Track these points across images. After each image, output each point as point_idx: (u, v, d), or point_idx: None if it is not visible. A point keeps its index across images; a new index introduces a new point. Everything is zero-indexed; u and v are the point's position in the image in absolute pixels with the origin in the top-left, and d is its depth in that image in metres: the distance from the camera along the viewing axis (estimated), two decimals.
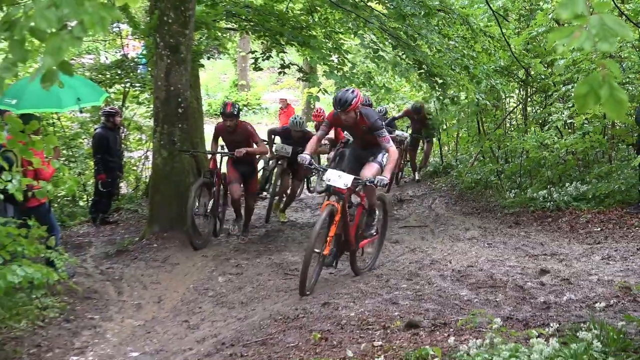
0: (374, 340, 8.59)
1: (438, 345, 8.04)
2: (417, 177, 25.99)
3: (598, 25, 3.21)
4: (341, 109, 11.04)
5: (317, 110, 29.70)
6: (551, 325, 8.00)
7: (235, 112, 15.15)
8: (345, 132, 19.52)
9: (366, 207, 12.13)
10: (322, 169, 11.74)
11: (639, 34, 13.77)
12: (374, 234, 12.59)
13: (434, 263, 12.52)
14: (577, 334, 7.18)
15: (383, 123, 12.47)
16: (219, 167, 16.44)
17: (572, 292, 9.87)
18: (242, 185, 16.07)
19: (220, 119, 16.86)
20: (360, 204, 12.11)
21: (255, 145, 15.71)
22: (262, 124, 30.69)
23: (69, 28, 3.79)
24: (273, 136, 19.79)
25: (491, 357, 6.92)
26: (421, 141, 26.31)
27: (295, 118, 18.41)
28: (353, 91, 11.38)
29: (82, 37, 3.90)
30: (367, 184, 11.08)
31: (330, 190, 11.20)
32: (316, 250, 10.81)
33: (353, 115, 11.19)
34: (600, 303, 8.99)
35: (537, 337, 7.24)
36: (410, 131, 25.26)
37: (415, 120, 24.99)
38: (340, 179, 10.64)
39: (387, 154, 11.54)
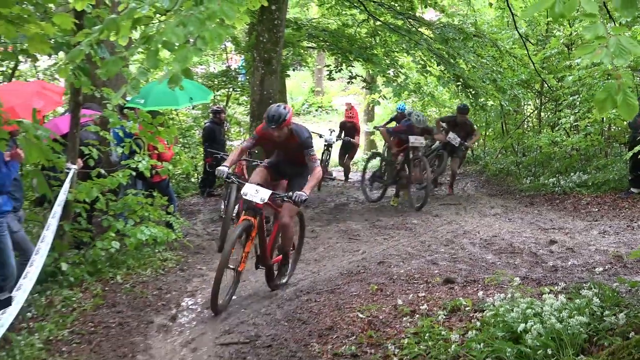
0: (419, 292, 8.65)
1: (469, 297, 8.14)
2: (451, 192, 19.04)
3: (615, 45, 3.31)
4: (275, 125, 9.13)
5: (350, 110, 29.59)
6: (559, 284, 7.99)
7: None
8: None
9: (282, 222, 9.73)
10: (238, 182, 9.49)
11: None
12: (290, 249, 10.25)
13: (466, 233, 12.48)
14: (580, 291, 7.16)
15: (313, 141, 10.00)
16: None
17: (575, 258, 9.79)
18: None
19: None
20: (277, 218, 9.94)
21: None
22: (333, 122, 30.41)
23: (192, 41, 3.95)
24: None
25: (512, 307, 6.92)
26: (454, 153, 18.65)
27: (418, 116, 15.91)
28: (285, 107, 9.52)
29: (203, 49, 4.10)
30: (285, 199, 9.14)
31: (246, 206, 9.25)
32: (230, 266, 8.96)
33: (286, 131, 9.31)
34: (597, 268, 8.99)
35: (548, 293, 7.22)
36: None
37: (457, 124, 17.87)
38: (257, 193, 8.89)
39: (312, 173, 9.41)
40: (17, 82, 13.07)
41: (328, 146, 18.47)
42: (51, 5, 8.34)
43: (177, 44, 3.94)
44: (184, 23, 3.81)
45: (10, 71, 13.60)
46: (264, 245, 9.50)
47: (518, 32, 13.52)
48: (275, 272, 10.02)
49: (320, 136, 18.36)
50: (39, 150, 5.42)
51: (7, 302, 7.06)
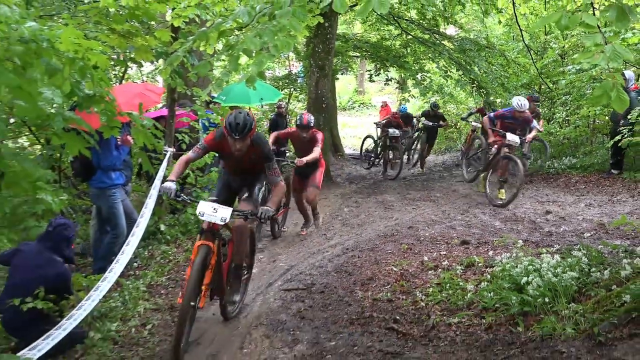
0: (441, 251, 8.63)
1: (481, 255, 8.11)
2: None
3: (611, 51, 3.27)
4: (240, 136, 6.43)
5: (385, 106, 29.34)
6: (554, 246, 7.93)
7: (312, 124, 10.26)
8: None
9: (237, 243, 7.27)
10: (189, 200, 7.07)
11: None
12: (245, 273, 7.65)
13: (478, 205, 12.28)
14: (571, 252, 7.06)
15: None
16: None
17: (566, 225, 9.69)
18: (305, 185, 10.73)
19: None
20: (231, 239, 7.21)
21: (316, 150, 10.23)
22: (372, 116, 30.46)
23: (268, 48, 3.94)
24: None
25: (516, 264, 6.89)
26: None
27: (519, 100, 13.27)
28: (249, 114, 6.67)
29: (276, 55, 4.09)
30: (249, 216, 6.78)
31: (202, 228, 6.63)
32: (192, 303, 6.19)
33: (248, 142, 6.62)
34: (585, 233, 8.78)
35: (545, 253, 7.13)
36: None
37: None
38: (216, 212, 6.42)
39: (275, 187, 6.94)
40: (126, 84, 13.18)
41: (393, 138, 16.95)
42: (153, 22, 8.38)
43: (254, 51, 3.92)
44: (260, 34, 3.79)
45: (121, 75, 13.75)
46: (221, 272, 6.80)
47: (525, 43, 13.30)
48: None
49: (387, 133, 17.15)
50: (144, 136, 5.45)
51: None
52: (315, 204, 11.14)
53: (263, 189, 9.94)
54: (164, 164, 9.26)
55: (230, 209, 6.37)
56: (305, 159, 9.99)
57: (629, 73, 13.10)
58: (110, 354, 6.11)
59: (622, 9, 2.93)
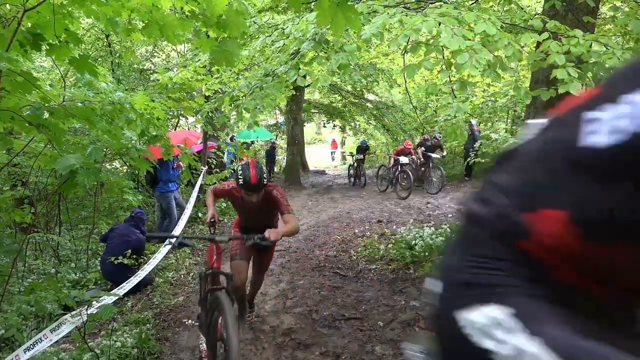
0: (365, 226, 8.63)
1: (389, 229, 8.11)
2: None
3: (456, 107, 3.25)
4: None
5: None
6: (431, 222, 8.03)
7: (265, 181, 3.67)
8: None
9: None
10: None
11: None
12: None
13: (389, 199, 12.15)
14: (441, 225, 7.20)
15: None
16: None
17: (439, 210, 9.62)
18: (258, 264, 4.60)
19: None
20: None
21: (289, 219, 3.68)
22: (327, 149, 30.60)
23: (259, 107, 3.95)
24: None
25: (409, 233, 6.95)
26: None
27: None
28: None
29: (263, 112, 4.10)
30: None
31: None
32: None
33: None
34: (449, 215, 8.84)
35: (426, 226, 7.28)
36: None
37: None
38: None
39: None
40: (179, 131, 13.01)
41: (403, 165, 12.65)
42: (194, 92, 8.36)
43: (251, 109, 3.91)
44: (254, 99, 3.79)
45: (175, 124, 13.62)
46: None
47: (412, 104, 13.45)
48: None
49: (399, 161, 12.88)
50: (188, 159, 5.40)
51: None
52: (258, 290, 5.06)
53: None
54: (201, 176, 9.28)
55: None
56: (281, 232, 3.53)
57: (474, 121, 13.30)
58: (168, 291, 6.04)
59: (462, 82, 2.99)
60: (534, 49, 3.52)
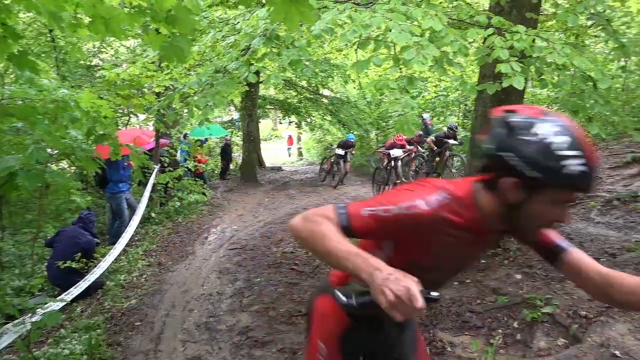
0: None
1: None
2: None
3: (405, 102, 3.30)
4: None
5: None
6: None
7: None
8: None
9: None
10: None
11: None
12: None
13: (345, 193, 12.13)
14: None
15: None
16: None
17: None
18: None
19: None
20: None
21: None
22: (283, 145, 30.55)
23: (210, 104, 3.88)
24: None
25: None
26: None
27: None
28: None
29: (214, 110, 4.02)
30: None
31: None
32: None
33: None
34: None
35: None
36: None
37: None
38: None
39: None
40: (130, 129, 12.63)
41: (395, 159, 11.13)
42: (144, 89, 8.15)
43: (202, 106, 3.85)
44: (205, 96, 3.73)
45: (126, 122, 13.25)
46: None
47: (366, 99, 13.58)
48: None
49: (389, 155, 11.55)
50: (137, 159, 5.25)
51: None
52: None
53: None
54: (153, 175, 9.09)
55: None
56: None
57: (426, 115, 13.53)
58: (120, 294, 5.87)
59: (410, 78, 3.04)
60: (482, 44, 3.61)
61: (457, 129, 11.66)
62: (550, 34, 4.59)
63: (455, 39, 2.94)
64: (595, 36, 5.98)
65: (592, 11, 3.84)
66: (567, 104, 3.51)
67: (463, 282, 4.66)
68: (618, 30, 9.89)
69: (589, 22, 4.71)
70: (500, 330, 3.77)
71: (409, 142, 12.21)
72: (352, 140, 13.91)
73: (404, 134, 5.15)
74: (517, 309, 3.95)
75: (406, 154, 11.64)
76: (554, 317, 3.70)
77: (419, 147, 12.14)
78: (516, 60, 3.04)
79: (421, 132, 12.72)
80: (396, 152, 11.12)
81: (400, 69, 2.96)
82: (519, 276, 4.49)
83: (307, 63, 3.98)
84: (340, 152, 13.43)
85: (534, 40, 3.28)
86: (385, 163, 11.50)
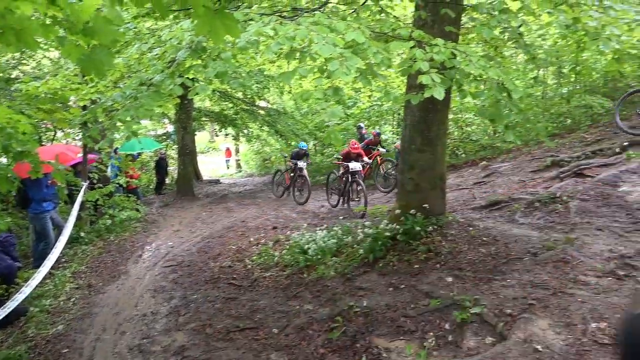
0: (261, 234, 8.47)
1: (284, 234, 8.02)
2: None
3: (329, 112, 3.33)
4: None
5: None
6: (324, 225, 7.99)
7: None
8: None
9: None
10: None
11: None
12: None
13: (285, 205, 11.81)
14: (333, 228, 7.19)
15: None
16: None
17: (332, 214, 9.61)
18: None
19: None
20: None
21: None
22: (221, 157, 30.13)
23: (135, 118, 3.74)
24: None
25: (303, 237, 7.01)
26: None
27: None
28: None
29: (139, 122, 3.88)
30: None
31: None
32: None
33: None
34: (340, 217, 9.01)
35: (319, 229, 7.38)
36: None
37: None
38: None
39: None
40: (55, 145, 12.01)
41: (353, 174, 9.72)
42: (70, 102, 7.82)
43: (124, 120, 3.72)
44: (128, 109, 3.61)
45: (52, 137, 12.61)
46: None
47: (300, 111, 13.56)
48: None
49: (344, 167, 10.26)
50: (60, 177, 5.00)
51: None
52: None
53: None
54: (81, 192, 8.68)
55: None
56: None
57: (360, 124, 13.74)
58: (45, 320, 5.55)
59: (335, 89, 3.09)
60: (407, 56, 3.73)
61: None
62: (469, 46, 4.83)
63: (378, 51, 3.03)
64: (516, 47, 6.34)
65: (505, 25, 4.07)
66: (485, 113, 3.70)
67: (398, 288, 4.76)
68: (533, 43, 10.57)
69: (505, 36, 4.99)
70: (432, 333, 3.88)
71: (374, 143, 11.95)
72: (305, 149, 12.69)
73: (333, 143, 5.19)
74: (448, 311, 4.08)
75: (366, 168, 11.18)
76: (482, 316, 3.85)
77: (380, 148, 12.15)
78: (436, 72, 3.17)
79: (378, 131, 12.74)
80: (355, 166, 9.83)
81: (326, 79, 3.00)
82: (450, 279, 4.64)
83: (234, 75, 3.95)
84: (302, 164, 11.83)
85: (453, 53, 3.43)
86: (341, 172, 10.43)
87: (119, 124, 3.70)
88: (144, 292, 6.35)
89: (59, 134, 13.53)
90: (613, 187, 6.23)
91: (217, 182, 19.89)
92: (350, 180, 9.79)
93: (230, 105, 18.82)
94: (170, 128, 21.71)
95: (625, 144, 7.88)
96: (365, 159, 10.75)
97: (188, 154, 15.73)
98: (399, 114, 15.08)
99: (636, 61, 11.23)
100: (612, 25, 3.93)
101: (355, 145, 10.46)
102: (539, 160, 9.22)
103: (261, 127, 18.77)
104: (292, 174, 12.18)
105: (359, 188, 9.54)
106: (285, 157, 13.21)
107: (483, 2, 4.44)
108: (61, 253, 7.35)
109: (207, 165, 27.63)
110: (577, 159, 8.14)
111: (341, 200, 10.19)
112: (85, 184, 9.03)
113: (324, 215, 9.85)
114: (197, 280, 6.56)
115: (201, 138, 33.29)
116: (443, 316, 4.06)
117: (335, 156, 13.03)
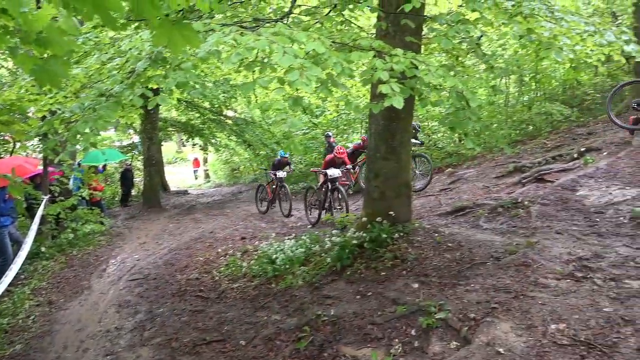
0: (229, 245, 8.41)
1: (252, 245, 7.97)
2: None
3: (290, 122, 3.34)
4: None
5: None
6: (292, 234, 7.98)
7: None
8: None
9: None
10: None
11: None
12: None
13: (253, 215, 11.68)
14: (302, 237, 7.13)
15: None
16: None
17: (299, 223, 9.61)
18: None
19: None
20: None
21: None
22: (188, 168, 29.75)
23: (94, 129, 3.66)
24: None
25: (271, 247, 6.97)
26: None
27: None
28: None
29: (98, 134, 3.81)
30: None
31: None
32: None
33: None
34: (308, 226, 8.92)
35: (287, 239, 7.32)
36: None
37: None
38: None
39: None
40: (13, 157, 11.59)
41: (333, 180, 8.72)
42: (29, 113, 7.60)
43: (82, 132, 3.63)
44: (87, 121, 3.53)
45: (10, 150, 12.21)
46: None
47: (267, 121, 13.52)
48: None
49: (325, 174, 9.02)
50: (17, 191, 4.84)
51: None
52: None
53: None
54: (42, 206, 8.40)
55: None
56: None
57: (328, 133, 13.79)
58: (2, 340, 5.34)
59: (296, 99, 3.10)
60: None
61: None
62: (431, 56, 4.92)
63: (338, 61, 3.06)
64: (475, 57, 6.49)
65: (464, 35, 4.18)
66: (445, 122, 3.77)
67: (365, 295, 4.79)
68: (494, 53, 10.84)
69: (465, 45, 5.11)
70: (398, 340, 3.91)
71: (362, 148, 11.11)
72: (286, 157, 11.60)
73: (292, 152, 5.15)
74: (414, 317, 4.12)
75: (356, 173, 10.80)
76: (447, 321, 3.90)
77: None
78: (396, 81, 3.22)
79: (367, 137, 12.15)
80: (334, 172, 8.86)
81: (287, 90, 3.01)
82: (416, 285, 4.69)
83: (197, 85, 3.93)
84: (282, 174, 11.05)
85: (412, 62, 3.49)
86: (320, 183, 9.49)
87: (78, 136, 3.60)
88: (108, 307, 6.20)
89: (18, 146, 13.15)
90: (572, 191, 6.43)
91: (184, 192, 19.63)
92: (330, 187, 8.95)
93: (197, 115, 18.64)
94: (136, 139, 21.34)
95: (583, 149, 8.15)
96: (349, 166, 10.15)
97: (154, 165, 15.51)
98: (367, 123, 15.21)
99: (593, 70, 11.64)
100: (564, 36, 4.07)
101: (341, 151, 9.61)
102: (502, 166, 9.45)
103: (229, 136, 18.64)
104: (274, 187, 11.42)
105: (340, 196, 8.82)
106: (265, 170, 12.60)
107: (442, 13, 4.55)
108: (20, 269, 7.09)
109: (174, 176, 27.26)
110: (538, 165, 8.37)
111: (323, 213, 9.14)
112: (46, 198, 8.76)
113: (293, 224, 9.80)
114: (163, 293, 6.44)
115: (168, 148, 32.86)
116: (409, 322, 4.10)
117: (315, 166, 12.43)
